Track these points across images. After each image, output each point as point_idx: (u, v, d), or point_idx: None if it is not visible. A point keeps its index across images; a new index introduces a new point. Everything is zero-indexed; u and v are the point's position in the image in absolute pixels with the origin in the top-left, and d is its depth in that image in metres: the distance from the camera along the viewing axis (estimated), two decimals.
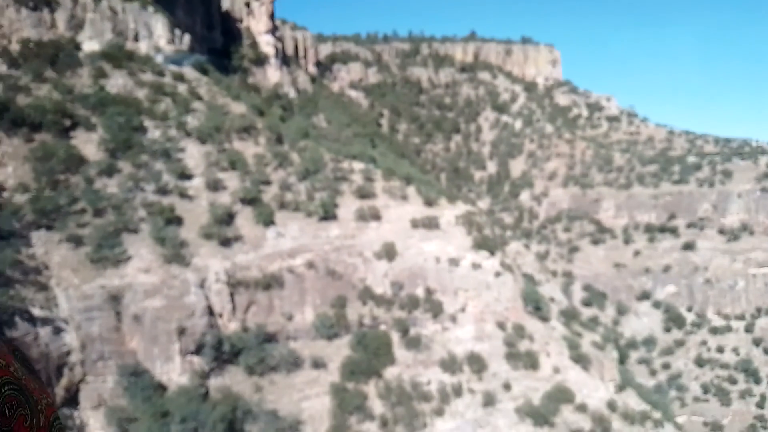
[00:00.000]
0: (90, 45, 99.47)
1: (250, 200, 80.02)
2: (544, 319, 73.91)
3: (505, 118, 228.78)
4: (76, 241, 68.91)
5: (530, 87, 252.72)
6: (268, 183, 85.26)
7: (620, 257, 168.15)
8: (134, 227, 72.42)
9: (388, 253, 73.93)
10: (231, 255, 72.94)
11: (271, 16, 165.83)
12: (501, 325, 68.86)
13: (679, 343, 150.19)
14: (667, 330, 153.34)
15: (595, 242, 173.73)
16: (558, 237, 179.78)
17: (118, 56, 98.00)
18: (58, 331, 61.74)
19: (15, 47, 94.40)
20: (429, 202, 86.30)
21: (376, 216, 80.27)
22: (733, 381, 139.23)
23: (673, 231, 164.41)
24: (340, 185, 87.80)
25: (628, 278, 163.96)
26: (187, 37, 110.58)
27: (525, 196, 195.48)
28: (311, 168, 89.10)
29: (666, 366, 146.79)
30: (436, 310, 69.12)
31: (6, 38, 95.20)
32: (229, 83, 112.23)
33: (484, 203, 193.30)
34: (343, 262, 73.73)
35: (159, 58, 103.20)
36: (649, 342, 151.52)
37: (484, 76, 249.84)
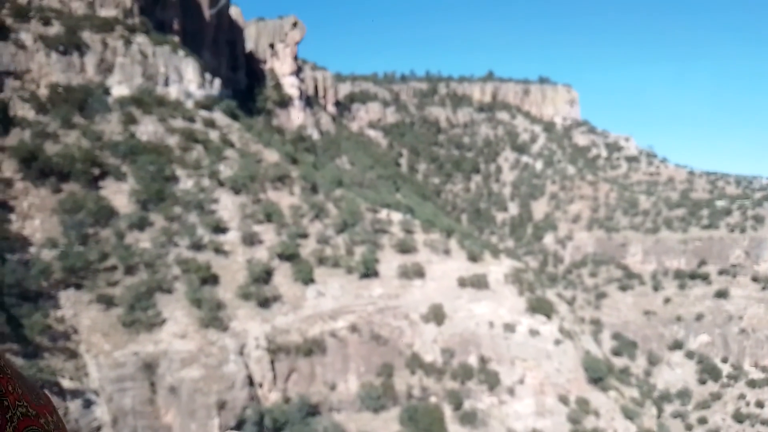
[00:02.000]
0: (119, 89, 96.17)
1: (288, 256, 75.30)
2: (607, 389, 68.23)
3: (525, 158, 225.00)
4: (107, 302, 64.24)
5: (549, 127, 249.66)
6: (305, 236, 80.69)
7: (650, 304, 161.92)
8: (168, 286, 67.70)
9: (437, 315, 68.81)
10: (270, 317, 67.96)
11: (295, 58, 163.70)
12: (563, 399, 63.30)
13: (716, 397, 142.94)
14: (702, 382, 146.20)
15: (623, 288, 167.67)
16: (584, 282, 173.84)
17: (148, 101, 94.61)
18: (88, 404, 56.53)
19: (43, 92, 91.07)
20: (473, 257, 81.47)
21: (419, 273, 75.38)
22: None
23: (705, 278, 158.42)
24: (380, 238, 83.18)
25: (658, 326, 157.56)
26: (217, 82, 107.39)
27: (549, 239, 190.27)
28: (348, 220, 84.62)
29: (702, 421, 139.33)
30: (491, 382, 63.67)
31: (35, 83, 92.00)
32: (260, 129, 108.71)
33: (507, 246, 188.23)
34: (388, 326, 68.59)
35: (189, 103, 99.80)
36: (684, 395, 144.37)
37: (503, 115, 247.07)
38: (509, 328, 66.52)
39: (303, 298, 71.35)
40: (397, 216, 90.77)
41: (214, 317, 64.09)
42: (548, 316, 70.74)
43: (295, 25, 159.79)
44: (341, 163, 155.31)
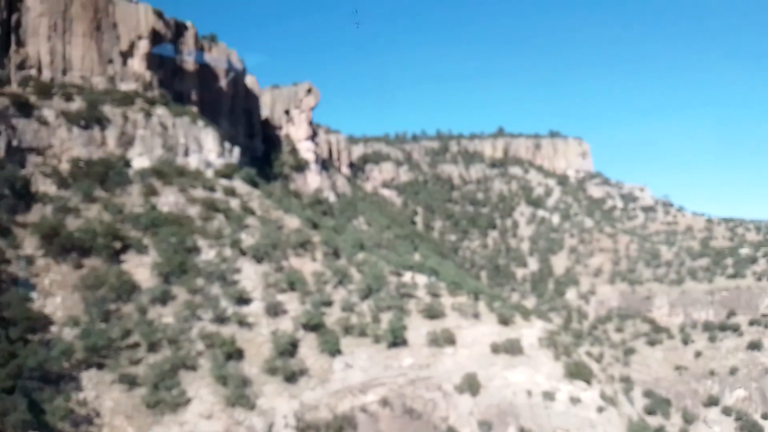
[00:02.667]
0: (140, 161, 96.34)
1: (314, 326, 72.86)
2: None
3: (541, 212, 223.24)
4: (130, 382, 61.68)
5: (562, 180, 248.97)
6: (329, 304, 78.39)
7: (680, 359, 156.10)
8: (192, 363, 65.17)
9: (471, 386, 65.60)
10: (298, 392, 64.99)
11: (310, 123, 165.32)
12: None
13: None
14: None
15: (652, 343, 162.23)
16: (611, 338, 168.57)
17: (168, 172, 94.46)
18: None
19: (65, 167, 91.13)
20: (504, 321, 78.59)
21: (450, 340, 72.51)
22: None
23: (735, 329, 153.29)
24: (405, 303, 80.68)
25: (691, 382, 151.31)
26: (236, 150, 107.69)
27: (571, 294, 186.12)
28: (373, 284, 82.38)
29: None
30: None
31: (56, 158, 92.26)
32: (280, 195, 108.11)
33: (529, 302, 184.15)
34: (420, 398, 65.39)
35: (209, 173, 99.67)
36: None
37: (515, 170, 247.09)
38: (548, 396, 63.14)
39: (330, 371, 68.48)
40: (421, 278, 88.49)
41: (240, 395, 61.27)
42: (588, 382, 67.29)
43: (309, 91, 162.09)
44: (358, 224, 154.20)
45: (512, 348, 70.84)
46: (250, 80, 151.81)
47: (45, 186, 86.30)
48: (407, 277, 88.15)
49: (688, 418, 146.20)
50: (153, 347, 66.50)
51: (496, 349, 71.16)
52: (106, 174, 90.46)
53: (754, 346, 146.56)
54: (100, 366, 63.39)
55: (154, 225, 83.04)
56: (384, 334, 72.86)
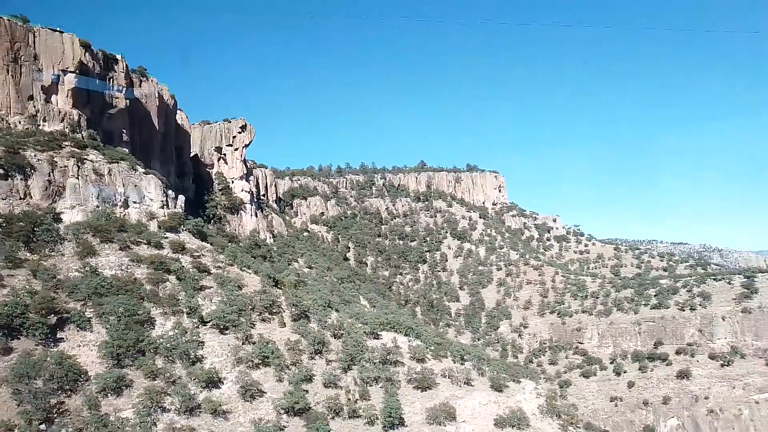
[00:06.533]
0: (72, 215, 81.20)
1: (298, 411, 61.92)
2: None
3: (467, 245, 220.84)
4: None
5: (483, 213, 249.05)
6: (309, 379, 67.57)
7: (614, 390, 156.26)
8: None
9: None
10: None
11: (244, 161, 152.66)
12: None
13: None
14: None
15: (586, 375, 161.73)
16: (546, 371, 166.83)
17: (106, 227, 79.94)
18: None
19: None
20: (498, 388, 71.20)
21: (450, 415, 63.98)
22: None
23: (664, 359, 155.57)
24: (392, 373, 71.33)
25: (627, 412, 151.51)
26: (180, 198, 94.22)
27: (504, 328, 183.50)
28: (353, 353, 72.43)
29: None
30: None
31: None
32: (235, 250, 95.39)
33: (465, 338, 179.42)
34: None
35: (153, 226, 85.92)
36: None
37: (439, 203, 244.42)
38: None
39: None
40: (401, 340, 79.56)
41: None
42: None
43: (243, 128, 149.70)
44: (299, 266, 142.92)
45: (518, 421, 63.42)
46: (180, 117, 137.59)
47: None
48: (386, 339, 78.96)
49: None
50: None
51: (500, 423, 63.43)
52: (32, 231, 74.90)
53: (683, 375, 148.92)
54: None
55: (96, 293, 68.82)
56: (377, 414, 63.20)
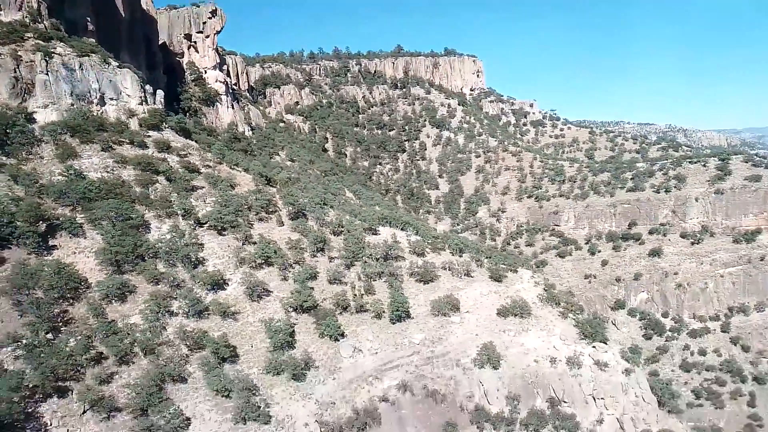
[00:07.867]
0: (45, 115, 75.09)
1: (306, 308, 61.62)
2: (680, 411, 62.13)
3: (446, 133, 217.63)
4: (108, 409, 47.96)
5: (461, 99, 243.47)
6: (314, 277, 66.91)
7: (589, 268, 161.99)
8: (179, 373, 52.17)
9: (490, 358, 58.75)
10: (309, 390, 54.66)
11: (216, 49, 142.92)
12: None
13: (662, 350, 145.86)
14: (648, 338, 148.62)
15: (562, 255, 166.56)
16: (524, 252, 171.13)
17: (85, 127, 74.45)
18: None
19: None
20: (497, 278, 71.83)
21: (454, 307, 64.66)
22: (721, 383, 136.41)
23: (637, 238, 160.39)
24: (394, 266, 71.01)
25: (599, 289, 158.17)
26: (160, 94, 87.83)
27: (483, 213, 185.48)
28: (355, 250, 71.50)
29: (654, 374, 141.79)
30: (569, 427, 55.23)
31: None
32: (221, 147, 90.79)
33: (444, 224, 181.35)
34: (440, 378, 57.70)
35: (133, 124, 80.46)
36: (634, 351, 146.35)
37: (417, 91, 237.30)
38: (573, 363, 58.06)
39: (337, 358, 58.48)
40: (401, 235, 78.79)
41: (248, 406, 49.87)
42: (605, 342, 63.22)
43: (214, 12, 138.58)
44: (281, 160, 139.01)
45: (520, 310, 64.50)
46: (144, 1, 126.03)
47: None
48: (385, 235, 78.03)
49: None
50: (124, 358, 52.35)
51: (503, 313, 64.43)
52: (5, 133, 69.29)
53: (655, 253, 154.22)
54: (62, 393, 48.74)
55: (85, 198, 65.10)
56: (384, 308, 63.45)
